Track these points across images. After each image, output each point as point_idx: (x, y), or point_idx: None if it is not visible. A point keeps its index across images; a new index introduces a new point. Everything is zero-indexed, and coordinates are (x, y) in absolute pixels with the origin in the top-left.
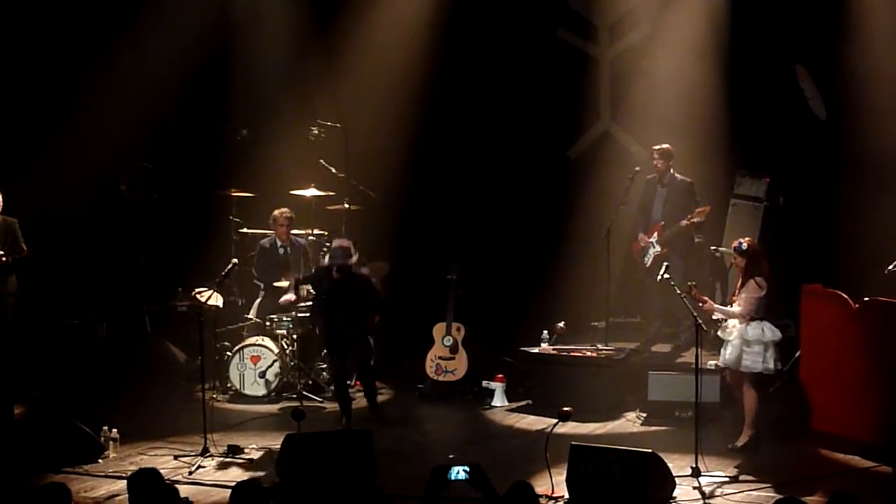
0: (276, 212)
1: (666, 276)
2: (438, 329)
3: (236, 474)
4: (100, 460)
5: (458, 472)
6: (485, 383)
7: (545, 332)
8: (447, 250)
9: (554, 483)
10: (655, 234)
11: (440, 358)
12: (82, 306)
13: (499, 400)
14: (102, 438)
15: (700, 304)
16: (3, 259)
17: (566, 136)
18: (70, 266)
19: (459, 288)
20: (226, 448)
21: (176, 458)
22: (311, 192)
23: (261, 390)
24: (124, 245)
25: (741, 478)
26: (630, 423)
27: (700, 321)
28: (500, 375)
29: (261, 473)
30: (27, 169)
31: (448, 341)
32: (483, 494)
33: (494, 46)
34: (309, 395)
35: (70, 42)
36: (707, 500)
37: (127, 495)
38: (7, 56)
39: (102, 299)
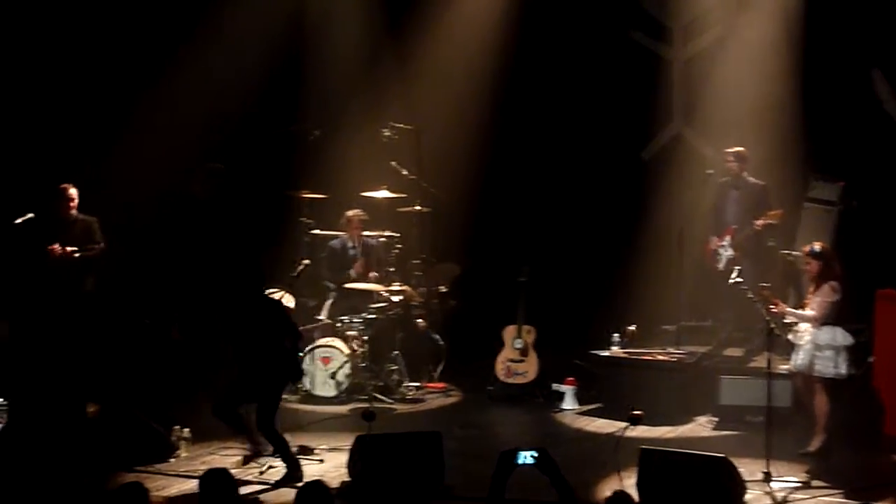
0: (350, 213)
1: (738, 279)
2: (509, 331)
3: (306, 475)
4: (171, 459)
5: (526, 457)
6: (555, 386)
7: (616, 335)
8: (518, 252)
9: (624, 487)
10: (728, 238)
11: (510, 360)
12: (155, 306)
13: (569, 403)
14: (174, 438)
15: (772, 308)
16: (77, 255)
17: (639, 138)
18: (143, 266)
19: (530, 290)
20: (296, 448)
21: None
22: (382, 193)
23: (331, 391)
24: (196, 245)
25: (813, 483)
26: (701, 427)
27: (772, 325)
28: (571, 378)
29: (331, 474)
30: (100, 168)
31: (519, 343)
32: (551, 480)
33: (567, 48)
34: (379, 396)
35: (144, 42)
36: None
37: (198, 494)
38: (81, 55)
39: (175, 299)
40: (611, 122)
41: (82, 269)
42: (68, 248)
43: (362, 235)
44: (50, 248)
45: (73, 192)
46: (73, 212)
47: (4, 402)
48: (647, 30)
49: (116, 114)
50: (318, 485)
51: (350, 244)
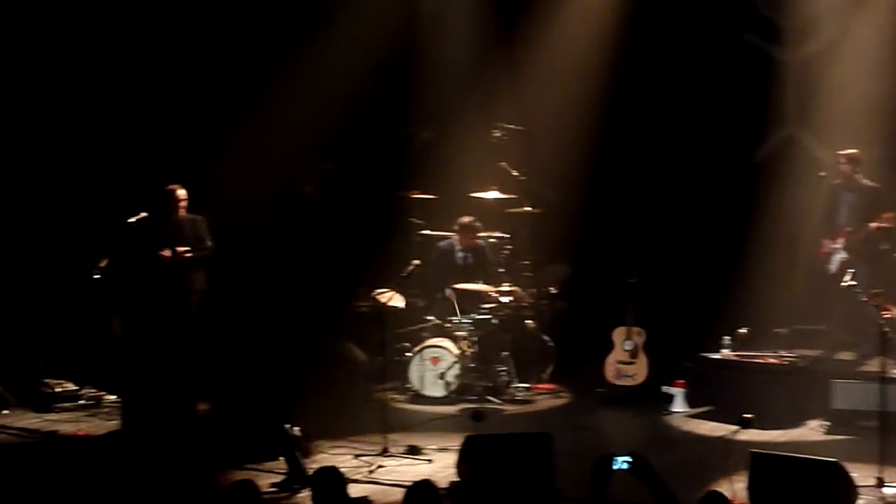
0: (466, 219)
1: (851, 282)
2: (619, 333)
3: (415, 475)
4: (281, 458)
5: (621, 463)
6: (665, 388)
7: (727, 337)
8: (628, 254)
9: (735, 490)
10: (841, 241)
11: (620, 362)
12: (265, 305)
13: (679, 405)
14: None
15: (885, 312)
16: (189, 255)
17: (751, 140)
18: (254, 265)
19: (640, 292)
20: (405, 448)
21: (356, 457)
22: (491, 194)
23: (440, 391)
24: (307, 245)
25: None
26: (812, 431)
27: (885, 329)
28: (681, 381)
29: (440, 474)
30: (214, 169)
31: (628, 345)
32: (648, 485)
33: (680, 49)
34: (488, 397)
35: (257, 42)
36: None
37: (308, 493)
38: (196, 58)
39: (287, 298)
40: (723, 123)
41: (193, 268)
42: (179, 249)
43: (473, 239)
44: (160, 253)
45: (182, 192)
46: (182, 212)
47: (118, 400)
48: (761, 31)
49: (228, 113)
50: (426, 485)
51: (458, 248)
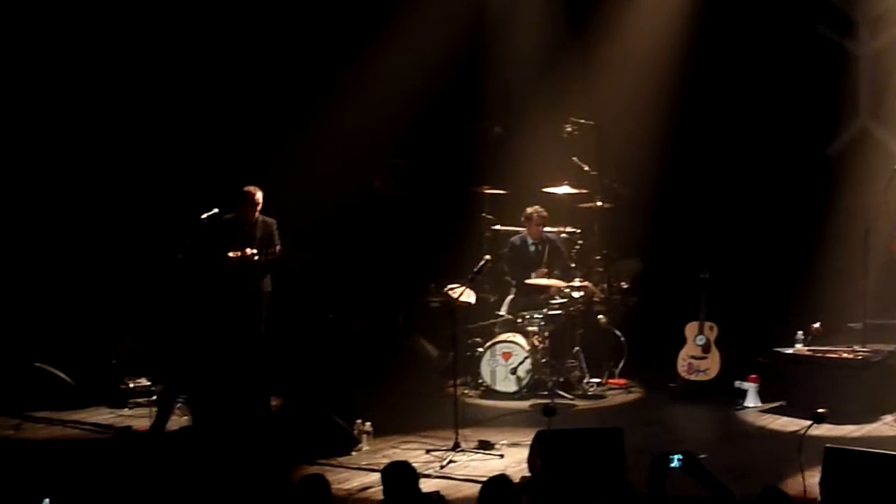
0: (531, 209)
1: None
2: (691, 328)
3: (487, 470)
4: (353, 453)
5: (676, 461)
6: (737, 383)
7: (800, 332)
8: (701, 248)
9: (807, 486)
10: None
11: (692, 357)
12: (338, 301)
13: (751, 400)
14: (356, 431)
15: None
16: (257, 258)
17: (824, 133)
18: (326, 262)
19: (713, 286)
20: (477, 443)
21: (428, 452)
22: (563, 189)
23: (512, 387)
24: (378, 241)
25: None
26: (887, 426)
27: None
28: (754, 376)
29: (511, 469)
30: (283, 168)
31: (701, 340)
32: (702, 482)
33: (751, 42)
34: (560, 392)
35: (325, 40)
36: None
37: (379, 488)
38: (263, 54)
39: (357, 294)
40: (796, 117)
41: (261, 269)
42: (248, 251)
43: (543, 231)
44: (229, 254)
45: (260, 196)
46: (257, 214)
47: (185, 397)
48: (834, 23)
49: (297, 111)
50: (503, 480)
51: (530, 241)
